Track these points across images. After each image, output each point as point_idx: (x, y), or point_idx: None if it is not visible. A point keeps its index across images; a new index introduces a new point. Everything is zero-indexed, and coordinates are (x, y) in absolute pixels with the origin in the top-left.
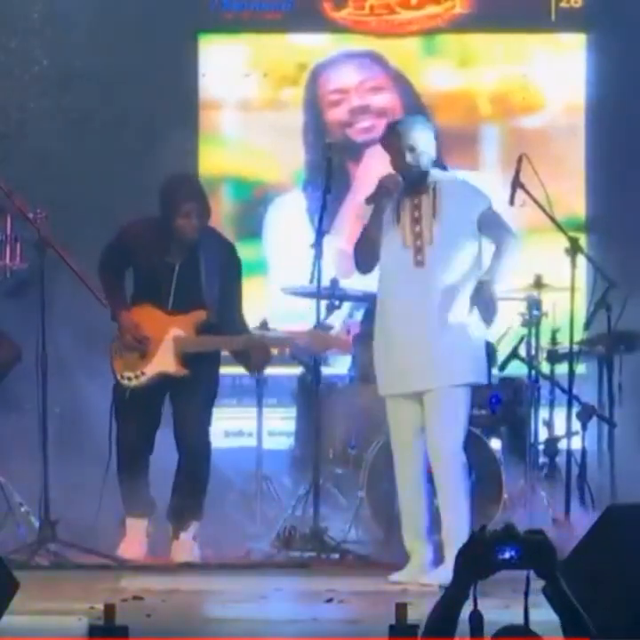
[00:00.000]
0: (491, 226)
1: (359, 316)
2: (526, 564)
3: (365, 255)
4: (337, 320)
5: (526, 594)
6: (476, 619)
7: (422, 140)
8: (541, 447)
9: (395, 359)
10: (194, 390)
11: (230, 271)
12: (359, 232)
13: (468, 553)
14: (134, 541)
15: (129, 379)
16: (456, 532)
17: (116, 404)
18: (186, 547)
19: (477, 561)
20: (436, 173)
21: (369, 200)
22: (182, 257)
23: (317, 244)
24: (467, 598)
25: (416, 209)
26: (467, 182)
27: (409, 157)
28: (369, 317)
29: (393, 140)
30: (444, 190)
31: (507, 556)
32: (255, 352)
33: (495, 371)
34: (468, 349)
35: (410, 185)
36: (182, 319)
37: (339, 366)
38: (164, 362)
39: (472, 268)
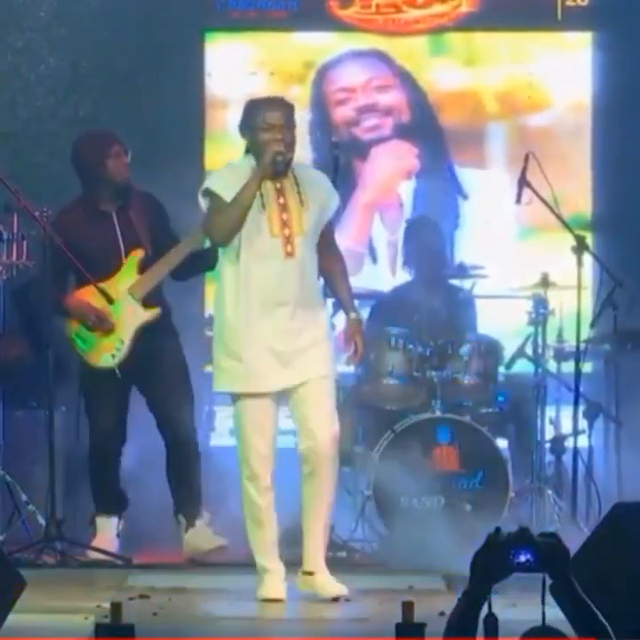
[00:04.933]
0: (330, 234)
1: (365, 314)
2: (541, 568)
3: (235, 230)
4: (341, 319)
5: (543, 598)
6: (491, 622)
7: (294, 122)
8: (548, 445)
9: (261, 355)
10: (162, 371)
11: (157, 213)
12: (207, 200)
13: (483, 556)
14: (103, 541)
15: (113, 356)
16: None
17: (90, 394)
18: (204, 534)
19: (493, 564)
20: None
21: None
22: (116, 204)
23: None
24: (485, 601)
25: (280, 195)
26: (320, 172)
27: (288, 137)
28: (375, 316)
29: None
30: (304, 176)
31: (522, 559)
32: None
33: (502, 369)
34: (329, 343)
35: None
36: (122, 271)
37: (344, 364)
38: (134, 316)
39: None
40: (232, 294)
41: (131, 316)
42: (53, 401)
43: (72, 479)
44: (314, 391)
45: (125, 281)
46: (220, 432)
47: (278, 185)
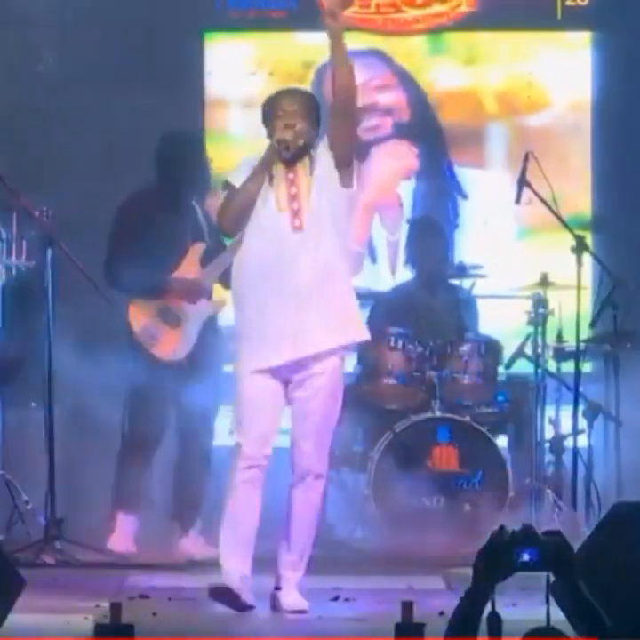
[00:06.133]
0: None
1: (365, 314)
2: (546, 567)
3: (240, 216)
4: None
5: (547, 598)
6: (494, 620)
7: (315, 113)
8: (548, 445)
9: (266, 329)
10: (195, 377)
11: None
12: (225, 192)
13: (487, 555)
14: (122, 537)
15: (181, 348)
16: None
17: (139, 388)
18: (196, 543)
19: (497, 563)
20: None
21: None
22: (188, 201)
23: None
24: (488, 599)
25: (290, 171)
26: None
27: (300, 124)
28: (374, 316)
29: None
30: (320, 155)
31: (526, 558)
32: None
33: (502, 369)
34: (345, 314)
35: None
36: (185, 263)
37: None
38: (200, 309)
39: (345, 238)
40: (238, 271)
41: (197, 309)
42: (52, 401)
43: (72, 479)
44: (311, 405)
45: (187, 273)
46: (218, 432)
47: (290, 166)
